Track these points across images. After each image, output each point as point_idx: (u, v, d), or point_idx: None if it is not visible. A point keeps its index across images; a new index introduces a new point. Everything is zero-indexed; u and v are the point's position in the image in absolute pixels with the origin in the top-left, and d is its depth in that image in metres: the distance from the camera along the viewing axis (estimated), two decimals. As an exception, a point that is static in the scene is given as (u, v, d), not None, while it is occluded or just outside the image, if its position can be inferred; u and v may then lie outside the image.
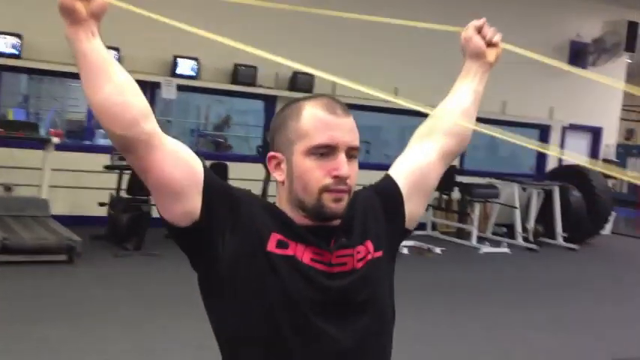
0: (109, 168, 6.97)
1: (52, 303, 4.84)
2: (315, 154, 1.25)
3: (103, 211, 7.00)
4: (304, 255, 1.24)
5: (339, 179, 1.24)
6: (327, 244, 1.26)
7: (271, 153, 1.31)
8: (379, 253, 1.32)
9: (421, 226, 9.51)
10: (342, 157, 1.24)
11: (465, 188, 9.51)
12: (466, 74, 1.55)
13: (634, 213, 13.33)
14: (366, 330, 1.27)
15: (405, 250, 8.03)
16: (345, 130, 1.26)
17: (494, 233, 9.81)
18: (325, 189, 1.24)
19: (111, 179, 7.12)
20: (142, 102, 1.19)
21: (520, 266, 8.21)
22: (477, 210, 9.46)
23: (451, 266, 7.87)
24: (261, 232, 1.24)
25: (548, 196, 9.83)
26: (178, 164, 1.21)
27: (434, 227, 9.96)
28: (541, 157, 11.36)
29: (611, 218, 10.57)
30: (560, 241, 9.48)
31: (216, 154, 9.38)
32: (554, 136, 11.20)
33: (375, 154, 10.18)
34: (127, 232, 6.62)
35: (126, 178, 6.90)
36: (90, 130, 8.43)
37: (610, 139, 12.18)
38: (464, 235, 9.59)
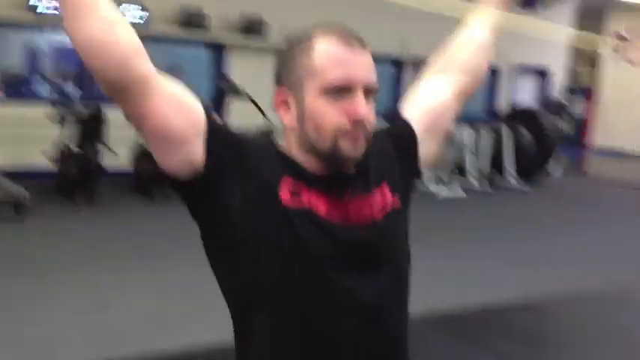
0: (55, 119, 6.62)
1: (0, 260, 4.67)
2: (329, 93, 1.12)
3: (49, 165, 6.67)
4: (319, 204, 1.13)
5: (357, 121, 1.12)
6: (343, 193, 1.15)
7: (278, 89, 1.18)
8: (397, 203, 1.21)
9: None
10: (359, 96, 1.12)
11: None
12: (486, 5, 1.45)
13: (579, 152, 13.61)
14: (387, 283, 1.16)
15: None
16: (363, 66, 1.13)
17: (448, 176, 9.76)
18: (341, 132, 1.12)
19: (57, 131, 6.72)
20: (134, 39, 1.06)
21: (475, 208, 8.32)
22: None
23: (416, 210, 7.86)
24: (272, 181, 1.12)
25: (498, 138, 9.92)
26: (178, 108, 1.09)
27: None
28: (491, 100, 11.45)
29: (559, 159, 10.75)
30: (512, 182, 9.61)
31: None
32: (505, 79, 11.36)
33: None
34: (76, 185, 6.36)
35: (70, 129, 6.58)
36: (28, 80, 8.02)
37: (557, 81, 12.36)
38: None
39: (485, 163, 9.76)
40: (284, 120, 1.17)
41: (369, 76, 1.13)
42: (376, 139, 1.20)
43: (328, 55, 1.12)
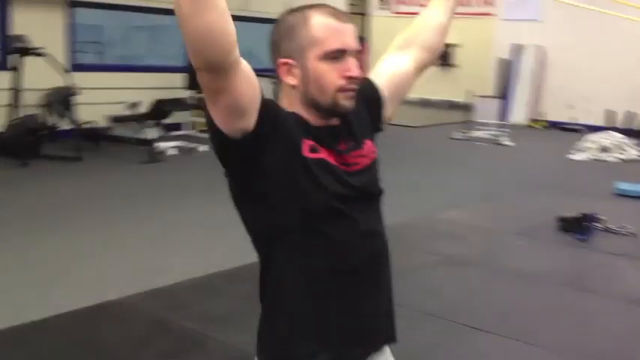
0: None
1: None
2: (328, 58, 1.40)
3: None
4: (330, 157, 1.42)
5: (352, 79, 1.41)
6: (339, 144, 1.45)
7: (282, 60, 1.43)
8: (376, 153, 1.53)
9: (178, 126, 9.89)
10: (352, 59, 1.41)
11: None
12: None
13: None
14: (375, 215, 1.50)
15: (172, 151, 8.50)
16: (352, 35, 1.43)
17: None
18: (340, 89, 1.41)
19: None
20: (234, 28, 1.23)
21: None
22: None
23: (217, 162, 8.15)
24: (296, 140, 1.38)
25: None
26: (250, 85, 1.31)
27: (193, 127, 10.10)
28: None
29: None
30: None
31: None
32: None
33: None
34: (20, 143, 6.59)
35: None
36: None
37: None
38: None
39: None
40: (290, 83, 1.44)
41: (356, 42, 1.43)
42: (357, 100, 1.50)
43: (325, 27, 1.40)
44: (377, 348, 1.50)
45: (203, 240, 5.16)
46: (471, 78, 13.59)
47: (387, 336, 1.52)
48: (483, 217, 6.26)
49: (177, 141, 9.09)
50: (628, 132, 11.30)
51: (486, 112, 12.13)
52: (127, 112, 8.92)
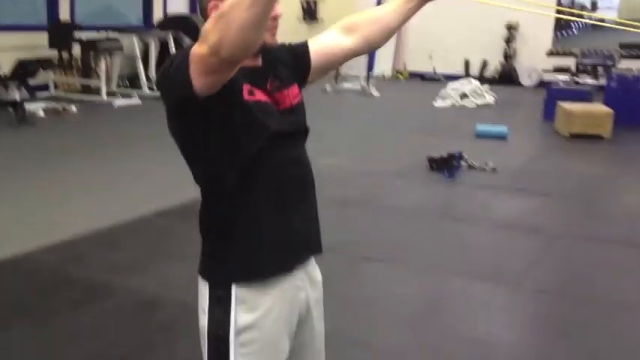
0: None
1: None
2: None
3: None
4: (262, 97, 1.56)
5: (276, 17, 1.55)
6: (266, 83, 1.59)
7: (213, 2, 1.52)
8: (301, 97, 1.68)
9: (43, 87, 9.64)
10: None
11: (87, 44, 9.57)
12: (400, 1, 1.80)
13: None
14: (302, 148, 1.68)
15: (42, 113, 8.31)
16: None
17: (118, 86, 10.14)
18: (266, 27, 1.44)
19: None
20: None
21: (152, 114, 8.76)
22: (102, 65, 9.61)
23: (91, 122, 8.32)
24: (239, 85, 1.51)
25: (163, 45, 10.34)
26: None
27: (56, 87, 9.97)
28: (147, 8, 11.71)
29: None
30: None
31: None
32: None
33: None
34: None
35: None
36: None
37: None
38: (91, 91, 9.79)
39: (154, 70, 10.26)
40: None
41: None
42: (282, 50, 1.70)
43: None
44: (308, 257, 1.72)
45: (94, 197, 5.17)
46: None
47: (315, 247, 1.74)
48: (361, 162, 6.64)
49: (45, 102, 8.81)
50: (482, 79, 12.16)
51: (353, 64, 12.55)
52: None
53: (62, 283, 3.60)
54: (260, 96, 1.56)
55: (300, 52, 1.75)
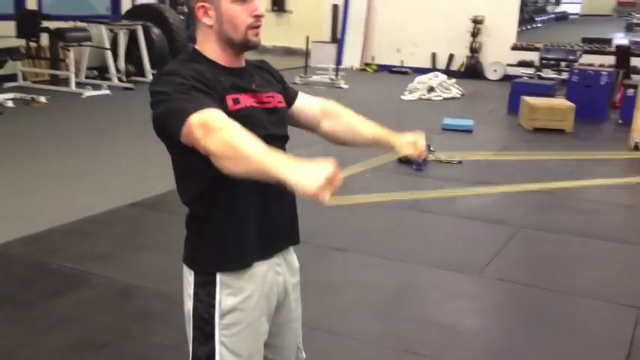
0: None
1: None
2: (238, 0, 1.63)
3: None
4: (248, 100, 1.67)
5: (258, 17, 1.66)
6: (251, 83, 1.70)
7: (200, 3, 1.64)
8: (284, 104, 1.80)
9: (11, 77, 9.59)
10: (257, 1, 1.66)
11: (56, 33, 9.53)
12: (376, 134, 1.99)
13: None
14: (284, 149, 1.74)
15: (10, 103, 8.29)
16: None
17: (87, 77, 10.13)
18: (250, 26, 1.65)
19: None
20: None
21: (122, 105, 8.87)
22: (71, 55, 9.60)
23: (61, 112, 8.27)
24: (220, 100, 1.58)
25: (132, 36, 10.36)
26: None
27: (25, 78, 9.90)
28: None
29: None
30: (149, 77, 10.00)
31: None
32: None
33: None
34: None
35: None
36: None
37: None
38: (59, 82, 9.80)
39: (123, 61, 10.37)
40: (207, 23, 1.66)
41: None
42: (271, 68, 1.86)
43: None
44: (286, 247, 1.83)
45: (66, 188, 5.20)
46: (305, 24, 14.01)
47: (293, 238, 1.85)
48: (331, 154, 6.72)
49: (13, 92, 8.74)
50: (449, 72, 12.35)
51: (322, 56, 12.67)
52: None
53: (39, 274, 3.66)
54: (245, 101, 1.65)
55: (290, 90, 1.89)
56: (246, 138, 1.42)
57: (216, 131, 1.43)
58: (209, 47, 1.69)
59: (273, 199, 1.72)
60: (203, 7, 1.64)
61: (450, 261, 4.08)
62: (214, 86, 1.60)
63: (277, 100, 1.77)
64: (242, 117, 1.59)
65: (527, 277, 3.97)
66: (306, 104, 1.94)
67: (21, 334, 3.03)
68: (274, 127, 1.72)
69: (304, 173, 1.36)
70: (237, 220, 1.68)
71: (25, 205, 4.76)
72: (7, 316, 3.20)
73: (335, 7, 14.21)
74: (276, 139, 1.70)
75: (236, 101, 1.63)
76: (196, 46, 1.72)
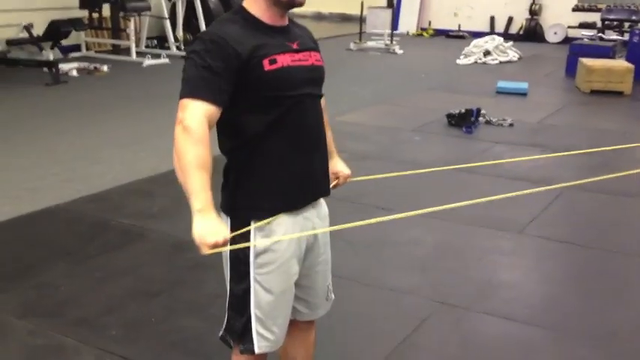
0: None
1: None
2: None
3: None
4: (285, 60, 1.77)
5: None
6: (292, 42, 1.81)
7: None
8: (322, 62, 1.91)
9: (75, 47, 9.88)
10: None
11: (117, 3, 9.71)
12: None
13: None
14: (318, 106, 1.91)
15: (74, 72, 8.60)
16: None
17: (147, 46, 10.34)
18: None
19: None
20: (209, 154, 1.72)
21: (180, 73, 8.88)
22: (131, 24, 9.81)
23: (122, 81, 8.51)
24: (256, 63, 1.72)
25: (190, 5, 10.46)
26: (227, 96, 1.74)
27: (88, 47, 10.19)
28: None
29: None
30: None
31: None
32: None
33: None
34: None
35: None
36: None
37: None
38: (120, 51, 10.06)
39: (181, 30, 10.55)
40: None
41: None
42: (305, 29, 1.95)
43: None
44: (317, 198, 1.96)
45: (126, 152, 5.46)
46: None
47: (324, 190, 1.98)
48: (382, 118, 6.84)
49: (77, 62, 9.10)
50: (507, 36, 12.15)
51: (378, 22, 12.62)
52: (22, 35, 8.79)
53: (99, 230, 3.91)
54: (283, 61, 1.76)
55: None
56: (195, 161, 1.68)
57: (185, 131, 1.72)
58: (255, 5, 1.78)
59: (308, 148, 1.85)
60: None
61: (492, 219, 4.15)
62: (242, 53, 1.70)
63: (315, 58, 1.86)
64: (276, 78, 1.72)
65: (571, 235, 4.00)
66: None
67: (81, 283, 3.28)
68: (310, 86, 1.83)
69: (202, 230, 1.62)
70: (272, 171, 1.81)
71: (88, 168, 5.04)
72: (69, 268, 3.45)
73: (391, -28, 14.09)
74: (310, 98, 1.82)
75: (272, 62, 1.73)
76: (244, 4, 1.81)
